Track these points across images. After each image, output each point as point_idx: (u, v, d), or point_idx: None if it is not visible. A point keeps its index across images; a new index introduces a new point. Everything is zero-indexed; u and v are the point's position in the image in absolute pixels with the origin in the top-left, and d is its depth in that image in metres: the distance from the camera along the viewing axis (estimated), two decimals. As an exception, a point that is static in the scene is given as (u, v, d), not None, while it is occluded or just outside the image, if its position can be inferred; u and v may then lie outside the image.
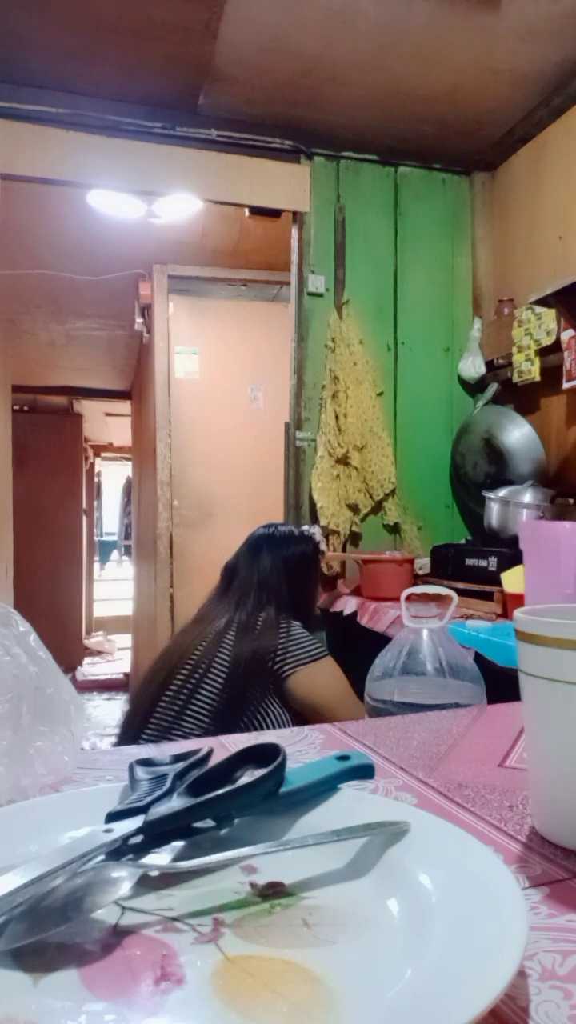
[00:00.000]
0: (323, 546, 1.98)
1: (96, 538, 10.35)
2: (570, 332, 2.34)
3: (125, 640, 7.19)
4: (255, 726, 1.58)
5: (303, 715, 1.64)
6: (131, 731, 1.65)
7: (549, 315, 2.42)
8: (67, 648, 6.54)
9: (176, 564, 3.63)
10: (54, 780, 0.60)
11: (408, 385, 2.95)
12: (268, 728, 1.56)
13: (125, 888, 0.40)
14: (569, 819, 0.49)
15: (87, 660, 7.24)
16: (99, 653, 7.56)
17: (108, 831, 0.45)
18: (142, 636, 4.95)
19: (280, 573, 1.82)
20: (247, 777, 0.49)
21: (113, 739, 1.70)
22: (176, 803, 0.46)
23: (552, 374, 2.44)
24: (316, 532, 1.99)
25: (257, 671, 1.63)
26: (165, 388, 3.70)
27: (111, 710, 5.53)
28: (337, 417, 2.79)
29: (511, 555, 2.12)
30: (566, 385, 2.37)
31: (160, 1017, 0.32)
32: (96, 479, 9.89)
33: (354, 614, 2.39)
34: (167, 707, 1.63)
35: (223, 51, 2.34)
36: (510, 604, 1.96)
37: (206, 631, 1.72)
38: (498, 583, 2.07)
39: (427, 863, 0.42)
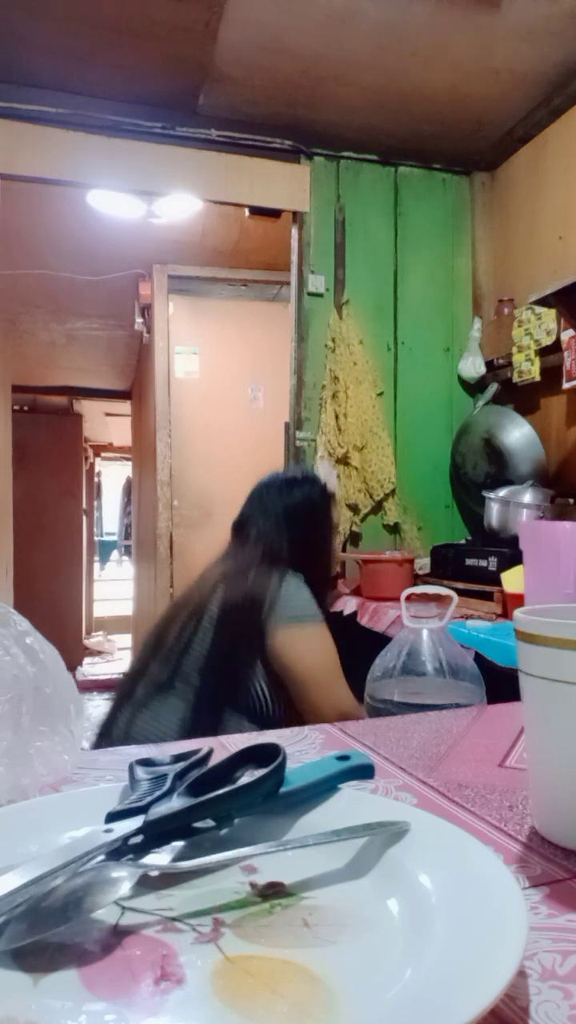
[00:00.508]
0: (333, 486, 1.78)
1: (96, 538, 10.34)
2: (570, 332, 2.34)
3: (125, 640, 7.19)
4: (246, 703, 1.49)
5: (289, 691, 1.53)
6: (125, 690, 1.57)
7: (549, 315, 2.42)
8: (67, 648, 6.52)
9: (176, 564, 3.63)
10: (54, 780, 0.60)
11: (408, 385, 2.95)
12: (259, 706, 1.49)
13: (125, 888, 0.40)
14: (569, 819, 0.49)
15: (87, 660, 7.24)
16: (99, 653, 7.56)
17: (108, 831, 0.45)
18: (142, 636, 4.94)
19: (281, 522, 1.65)
20: (247, 777, 0.49)
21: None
22: (176, 803, 0.46)
23: (552, 374, 2.44)
24: (324, 471, 1.79)
25: (244, 624, 1.51)
26: (165, 388, 3.71)
27: (111, 710, 5.52)
28: (337, 417, 2.79)
29: (511, 555, 2.12)
30: (566, 385, 2.37)
31: (160, 1017, 0.32)
32: (96, 479, 9.89)
33: (354, 614, 2.39)
34: (161, 666, 1.55)
35: (223, 51, 2.34)
36: (510, 604, 1.96)
37: (203, 585, 1.62)
38: (498, 583, 2.07)
39: (427, 863, 0.42)
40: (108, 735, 1.51)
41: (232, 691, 1.51)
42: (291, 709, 1.51)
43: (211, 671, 1.50)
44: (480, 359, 2.89)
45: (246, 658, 1.50)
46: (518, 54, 2.35)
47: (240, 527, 1.70)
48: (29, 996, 0.33)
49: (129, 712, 1.51)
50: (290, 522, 1.64)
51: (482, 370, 2.89)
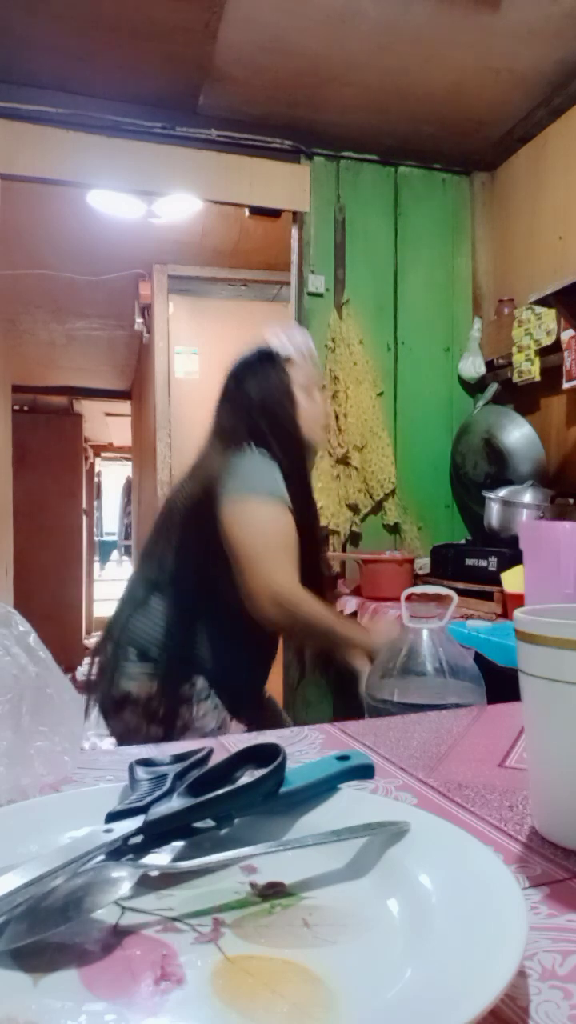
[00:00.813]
0: (294, 354, 1.59)
1: (96, 538, 10.34)
2: (570, 332, 2.34)
3: (125, 640, 7.18)
4: (217, 613, 1.46)
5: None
6: (127, 589, 1.57)
7: (549, 315, 2.42)
8: (67, 648, 6.53)
9: (176, 564, 3.63)
10: (54, 780, 0.60)
11: (408, 385, 2.95)
12: (229, 615, 1.44)
13: (125, 888, 0.40)
14: (569, 819, 0.49)
15: (87, 660, 7.25)
16: (99, 653, 7.55)
17: (108, 831, 0.45)
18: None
19: (236, 401, 1.57)
20: (247, 777, 0.49)
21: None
22: (176, 803, 0.46)
23: (552, 374, 2.44)
24: (282, 339, 1.59)
25: (202, 516, 1.43)
26: (165, 388, 3.71)
27: (111, 710, 5.52)
28: (337, 417, 2.80)
29: (511, 555, 2.12)
30: (566, 385, 2.37)
31: (160, 1017, 0.32)
32: (96, 479, 9.89)
33: (354, 614, 2.39)
34: (150, 566, 1.53)
35: (223, 51, 2.34)
36: (510, 604, 1.96)
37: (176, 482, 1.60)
38: (498, 583, 2.07)
39: (427, 863, 0.42)
40: (111, 635, 1.51)
41: (205, 598, 1.46)
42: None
43: (182, 570, 1.47)
44: (480, 359, 2.89)
45: (212, 557, 1.43)
46: (518, 54, 2.35)
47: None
48: (29, 996, 0.33)
49: (128, 611, 1.51)
50: (245, 398, 1.56)
51: (482, 370, 2.89)
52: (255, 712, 1.54)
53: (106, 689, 1.47)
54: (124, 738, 1.45)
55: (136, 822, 0.45)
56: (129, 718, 1.44)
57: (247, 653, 1.52)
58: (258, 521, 1.41)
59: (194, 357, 3.79)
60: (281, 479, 1.45)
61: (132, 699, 1.43)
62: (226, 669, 1.47)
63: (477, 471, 2.77)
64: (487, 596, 2.13)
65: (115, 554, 12.34)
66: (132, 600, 1.52)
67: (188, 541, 1.47)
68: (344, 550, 2.82)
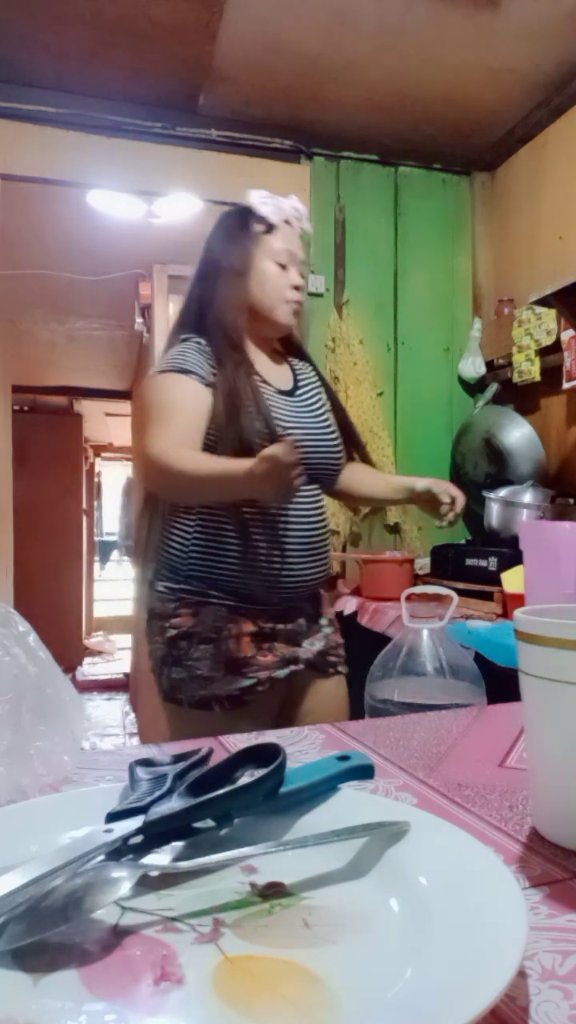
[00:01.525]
0: (275, 220, 1.50)
1: (96, 538, 10.34)
2: (570, 332, 2.34)
3: (125, 640, 7.19)
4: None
5: None
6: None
7: (549, 315, 2.42)
8: (67, 648, 6.54)
9: (176, 564, 3.63)
10: (54, 780, 0.60)
11: (408, 385, 2.95)
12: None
13: (125, 888, 0.40)
14: (569, 819, 0.49)
15: (87, 660, 7.24)
16: (99, 653, 7.55)
17: (108, 831, 0.45)
18: (142, 636, 4.94)
19: (199, 262, 1.51)
20: (247, 777, 0.49)
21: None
22: (176, 803, 0.47)
23: (552, 374, 2.44)
24: (265, 202, 1.50)
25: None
26: (165, 388, 3.70)
27: (111, 710, 5.52)
28: (337, 417, 2.79)
29: (511, 555, 2.12)
30: (566, 385, 2.37)
31: (160, 1017, 0.32)
32: (96, 479, 9.88)
33: (354, 614, 2.39)
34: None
35: (223, 51, 2.34)
36: (510, 604, 1.96)
37: None
38: (498, 583, 2.07)
39: (427, 863, 0.42)
40: (142, 545, 1.52)
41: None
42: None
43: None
44: (480, 359, 2.89)
45: None
46: (518, 54, 2.35)
47: None
48: (29, 996, 0.33)
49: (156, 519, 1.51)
50: (202, 257, 1.50)
51: (482, 370, 2.89)
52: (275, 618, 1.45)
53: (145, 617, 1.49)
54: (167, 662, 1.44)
55: (136, 822, 0.45)
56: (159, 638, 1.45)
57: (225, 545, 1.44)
58: (148, 395, 1.41)
59: (194, 357, 3.79)
60: (201, 359, 1.40)
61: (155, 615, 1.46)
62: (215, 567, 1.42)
63: (477, 471, 2.77)
64: (487, 596, 2.13)
65: (115, 554, 12.33)
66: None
67: None
68: (344, 550, 2.82)
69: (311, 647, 1.51)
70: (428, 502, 1.60)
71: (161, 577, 1.45)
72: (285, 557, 1.42)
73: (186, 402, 1.37)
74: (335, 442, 1.56)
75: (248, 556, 1.40)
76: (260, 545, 1.41)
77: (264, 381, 1.46)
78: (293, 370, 1.58)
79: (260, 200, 1.49)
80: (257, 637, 1.42)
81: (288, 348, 1.62)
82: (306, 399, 1.54)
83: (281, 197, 1.51)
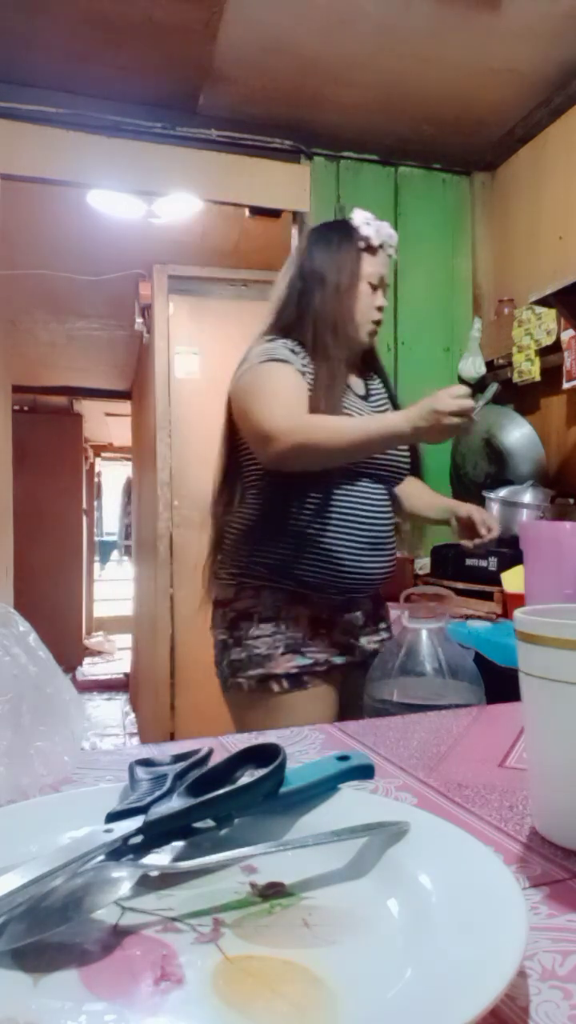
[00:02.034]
0: (375, 243, 1.51)
1: (96, 538, 10.34)
2: (570, 332, 2.34)
3: (125, 640, 7.19)
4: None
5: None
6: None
7: (549, 315, 2.42)
8: (67, 648, 6.54)
9: (176, 564, 3.63)
10: (54, 780, 0.60)
11: (408, 385, 2.94)
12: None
13: (125, 888, 0.40)
14: (569, 819, 0.49)
15: (87, 660, 7.24)
16: (99, 653, 7.56)
17: (108, 831, 0.45)
18: (142, 636, 4.95)
19: (297, 267, 1.51)
20: (247, 777, 0.49)
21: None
22: (176, 803, 0.46)
23: (552, 374, 2.44)
24: (370, 223, 1.52)
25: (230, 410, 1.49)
26: (165, 388, 3.70)
27: (111, 710, 5.53)
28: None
29: (511, 555, 2.12)
30: (566, 385, 2.37)
31: (160, 1017, 0.32)
32: (96, 479, 9.89)
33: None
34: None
35: (223, 51, 2.34)
36: (510, 604, 1.96)
37: None
38: (498, 583, 2.07)
39: (427, 863, 0.42)
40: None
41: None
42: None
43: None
44: (480, 359, 2.89)
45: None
46: (518, 54, 2.35)
47: None
48: (29, 996, 0.33)
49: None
50: (306, 264, 1.50)
51: (482, 370, 2.89)
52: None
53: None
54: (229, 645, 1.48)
55: (136, 822, 0.45)
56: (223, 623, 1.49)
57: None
58: (253, 382, 1.41)
59: (194, 358, 3.78)
60: (296, 357, 1.43)
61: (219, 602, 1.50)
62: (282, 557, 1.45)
63: (477, 471, 2.77)
64: (487, 596, 2.12)
65: (115, 554, 12.33)
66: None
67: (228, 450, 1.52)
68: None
69: (367, 644, 1.53)
70: (466, 528, 1.66)
71: (224, 565, 1.50)
72: (351, 550, 1.45)
73: (291, 385, 1.40)
74: (404, 449, 1.59)
75: (316, 546, 1.43)
76: (328, 536, 1.43)
77: (347, 385, 1.52)
78: (363, 378, 1.62)
79: (364, 220, 1.52)
80: (315, 622, 1.45)
81: (364, 359, 1.64)
82: (378, 406, 1.60)
83: (380, 221, 1.55)
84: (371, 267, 1.52)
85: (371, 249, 1.52)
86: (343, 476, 1.45)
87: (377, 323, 1.56)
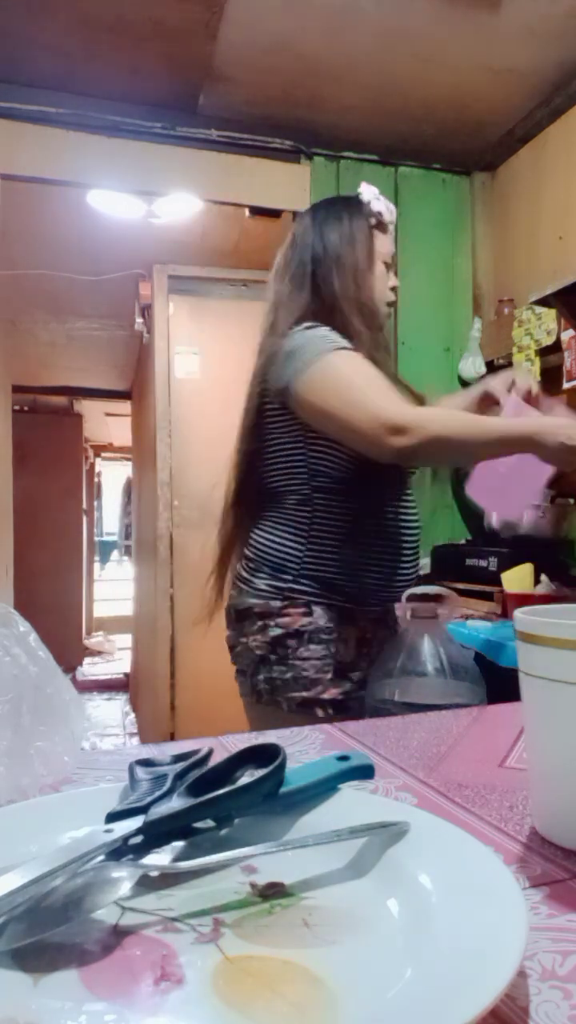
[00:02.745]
0: (387, 220, 1.45)
1: (96, 538, 10.34)
2: (570, 332, 2.34)
3: (125, 640, 7.19)
4: (319, 461, 1.36)
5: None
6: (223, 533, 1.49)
7: (549, 315, 2.42)
8: (67, 648, 6.54)
9: (176, 564, 3.63)
10: (54, 780, 0.60)
11: (408, 385, 2.95)
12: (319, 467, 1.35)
13: (125, 888, 0.40)
14: (569, 819, 0.49)
15: (87, 660, 7.24)
16: (99, 653, 7.56)
17: (108, 831, 0.45)
18: (142, 636, 4.95)
19: (306, 248, 1.42)
20: (247, 777, 0.49)
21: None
22: (176, 803, 0.46)
23: (552, 374, 2.44)
24: (380, 199, 1.44)
25: (269, 394, 1.36)
26: (165, 388, 3.70)
27: (111, 710, 5.53)
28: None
29: (511, 555, 2.12)
30: (566, 385, 2.37)
31: (160, 1017, 0.32)
32: (96, 479, 9.89)
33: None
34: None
35: (223, 51, 2.34)
36: (510, 604, 1.96)
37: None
38: (498, 583, 2.07)
39: (427, 863, 0.42)
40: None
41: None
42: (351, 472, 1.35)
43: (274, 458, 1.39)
44: (480, 359, 2.89)
45: (286, 434, 1.36)
46: (518, 54, 2.35)
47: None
48: (29, 996, 0.33)
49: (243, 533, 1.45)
50: (318, 244, 1.40)
51: (482, 370, 2.89)
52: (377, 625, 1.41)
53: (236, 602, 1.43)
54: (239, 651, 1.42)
55: (136, 822, 0.45)
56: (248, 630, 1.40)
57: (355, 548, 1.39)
58: (330, 374, 1.27)
59: (194, 358, 3.78)
60: (341, 338, 1.32)
61: (255, 612, 1.39)
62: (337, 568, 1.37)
63: (477, 471, 2.77)
64: (487, 596, 2.13)
65: (115, 554, 12.33)
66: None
67: (270, 446, 1.40)
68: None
69: None
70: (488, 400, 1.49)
71: (263, 575, 1.39)
72: (398, 558, 1.40)
73: (376, 372, 1.31)
74: None
75: (367, 556, 1.37)
76: (377, 545, 1.38)
77: None
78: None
79: (374, 195, 1.44)
80: (360, 642, 1.38)
81: None
82: None
83: (385, 197, 1.47)
84: (383, 245, 1.45)
85: (381, 225, 1.44)
86: (396, 480, 1.39)
87: (391, 304, 1.49)
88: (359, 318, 1.37)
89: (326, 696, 1.32)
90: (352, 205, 1.45)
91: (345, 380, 1.27)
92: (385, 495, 1.40)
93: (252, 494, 1.45)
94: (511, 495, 1.35)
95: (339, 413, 1.25)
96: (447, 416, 1.31)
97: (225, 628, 1.49)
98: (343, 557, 1.36)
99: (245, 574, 1.43)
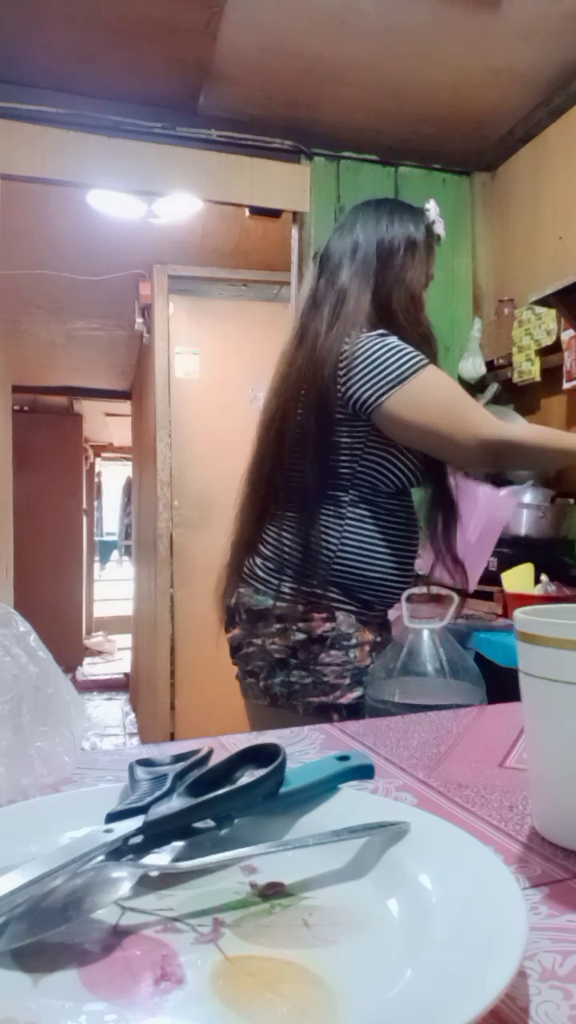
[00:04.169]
0: (438, 228, 1.48)
1: (96, 538, 10.35)
2: (570, 332, 2.34)
3: (125, 640, 7.19)
4: (369, 471, 1.37)
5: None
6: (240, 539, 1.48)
7: (549, 315, 2.42)
8: (67, 648, 6.54)
9: (176, 564, 3.63)
10: (54, 780, 0.60)
11: (408, 385, 2.95)
12: (377, 475, 1.37)
13: (125, 888, 0.40)
14: (569, 819, 0.49)
15: (87, 660, 7.24)
16: (99, 653, 7.56)
17: (108, 831, 0.45)
18: (142, 636, 4.95)
19: (364, 264, 1.40)
20: (247, 777, 0.49)
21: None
22: (176, 803, 0.46)
23: (552, 374, 2.44)
24: (434, 210, 1.46)
25: (327, 403, 1.34)
26: (165, 388, 3.70)
27: (111, 710, 5.53)
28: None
29: (511, 555, 2.12)
30: (566, 385, 2.37)
31: (160, 1017, 0.32)
32: (96, 479, 9.89)
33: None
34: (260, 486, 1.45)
35: (223, 51, 2.34)
36: (510, 604, 1.96)
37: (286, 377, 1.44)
38: (498, 583, 2.07)
39: (427, 863, 0.42)
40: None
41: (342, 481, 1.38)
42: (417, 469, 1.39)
43: (315, 466, 1.37)
44: (480, 359, 2.89)
45: (344, 441, 1.36)
46: (518, 54, 2.35)
47: (322, 270, 1.45)
48: (29, 996, 0.33)
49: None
50: (380, 264, 1.40)
51: (482, 370, 2.89)
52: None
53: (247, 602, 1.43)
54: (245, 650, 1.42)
55: (136, 822, 0.45)
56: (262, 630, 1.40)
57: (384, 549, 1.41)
58: (429, 392, 1.33)
59: (194, 357, 3.79)
60: (416, 350, 1.36)
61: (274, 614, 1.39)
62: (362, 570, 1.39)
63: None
64: (487, 596, 2.13)
65: (115, 554, 12.33)
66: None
67: (317, 441, 1.37)
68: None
69: None
70: None
71: (287, 578, 1.39)
72: (410, 564, 1.42)
73: (455, 383, 1.38)
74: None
75: (388, 564, 1.39)
76: (397, 555, 1.40)
77: None
78: None
79: (438, 215, 1.48)
80: (372, 647, 1.39)
81: None
82: None
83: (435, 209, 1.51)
84: (432, 267, 1.50)
85: (432, 247, 1.49)
86: (408, 489, 1.43)
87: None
88: (415, 328, 1.41)
89: (343, 701, 1.33)
90: (417, 215, 1.47)
91: (445, 397, 1.34)
92: (408, 504, 1.43)
93: (279, 492, 1.44)
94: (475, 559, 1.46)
95: (440, 429, 1.32)
96: (531, 430, 1.42)
97: (224, 627, 1.48)
98: (369, 566, 1.38)
99: (262, 574, 1.42)
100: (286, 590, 1.38)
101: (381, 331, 1.35)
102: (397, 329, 1.37)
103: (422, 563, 1.50)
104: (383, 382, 1.30)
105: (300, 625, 1.35)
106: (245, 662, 1.43)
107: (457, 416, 1.33)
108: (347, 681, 1.34)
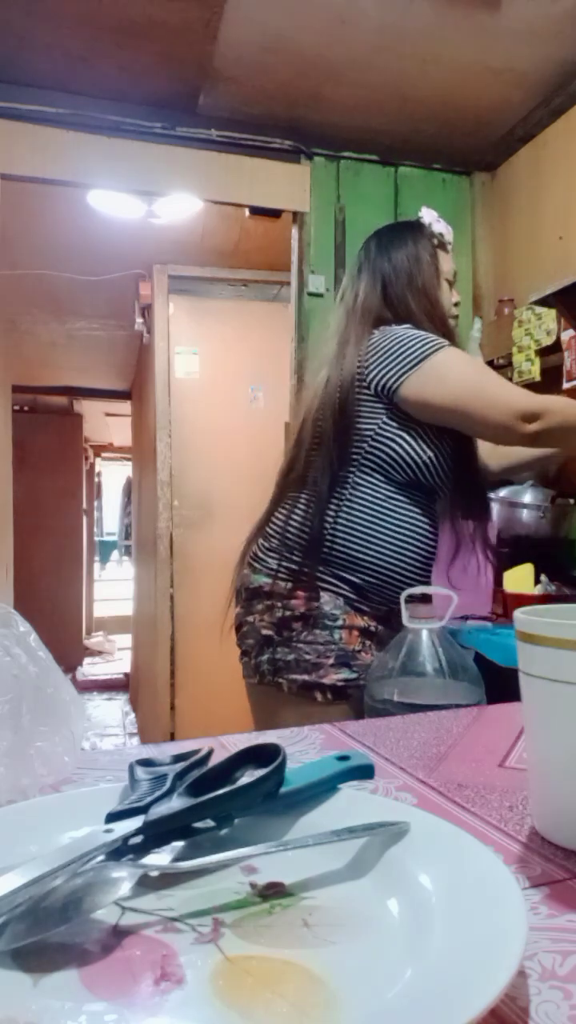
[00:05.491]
0: (448, 241, 1.58)
1: (96, 538, 10.34)
2: (570, 332, 2.33)
3: (125, 640, 7.19)
4: (377, 455, 1.40)
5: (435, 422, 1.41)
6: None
7: (549, 315, 2.42)
8: (67, 648, 6.54)
9: (176, 564, 3.63)
10: (54, 780, 0.60)
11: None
12: (394, 454, 1.39)
13: (125, 888, 0.40)
14: (569, 819, 0.49)
15: (87, 660, 7.24)
16: (99, 653, 7.56)
17: (108, 831, 0.45)
18: (142, 636, 4.95)
19: (376, 273, 1.49)
20: (247, 777, 0.49)
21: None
22: (176, 803, 0.46)
23: (552, 374, 2.44)
24: (439, 222, 1.56)
25: (353, 393, 1.39)
26: (165, 388, 3.70)
27: (111, 710, 5.53)
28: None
29: (511, 555, 2.12)
30: (566, 385, 2.37)
31: (160, 1017, 0.32)
32: (96, 479, 9.89)
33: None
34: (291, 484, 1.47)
35: (223, 51, 2.34)
36: (510, 604, 1.96)
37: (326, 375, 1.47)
38: (498, 583, 2.07)
39: (427, 863, 0.42)
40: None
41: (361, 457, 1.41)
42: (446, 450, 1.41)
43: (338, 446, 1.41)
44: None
45: (368, 425, 1.39)
46: (518, 54, 2.35)
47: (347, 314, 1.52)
48: (29, 996, 0.33)
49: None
50: (387, 269, 1.49)
51: (482, 370, 2.89)
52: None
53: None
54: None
55: (136, 822, 0.45)
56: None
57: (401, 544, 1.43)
58: (454, 370, 1.37)
59: (194, 357, 3.79)
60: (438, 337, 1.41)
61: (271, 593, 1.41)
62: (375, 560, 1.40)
63: (477, 471, 2.77)
64: (487, 596, 2.12)
65: (115, 554, 12.33)
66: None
67: (339, 424, 1.41)
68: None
69: None
70: None
71: (276, 555, 1.43)
72: (410, 561, 1.43)
73: (482, 362, 1.43)
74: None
75: (388, 550, 1.40)
76: (395, 544, 1.41)
77: None
78: None
79: (435, 218, 1.54)
80: (364, 633, 1.40)
81: None
82: None
83: (442, 219, 1.57)
84: (445, 264, 1.55)
85: (442, 246, 1.55)
86: (430, 488, 1.44)
87: (455, 319, 1.58)
88: (440, 327, 1.46)
89: (326, 681, 1.35)
90: (414, 228, 1.54)
91: (468, 374, 1.38)
92: (420, 501, 1.43)
93: (297, 481, 1.47)
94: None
95: (470, 406, 1.35)
96: (569, 402, 1.40)
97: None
98: (361, 547, 1.39)
99: (261, 554, 1.46)
100: (275, 566, 1.42)
101: (407, 326, 1.43)
102: (414, 319, 1.44)
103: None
104: (402, 363, 1.36)
105: (285, 602, 1.39)
106: (242, 640, 1.47)
107: (486, 391, 1.36)
108: (330, 661, 1.36)
